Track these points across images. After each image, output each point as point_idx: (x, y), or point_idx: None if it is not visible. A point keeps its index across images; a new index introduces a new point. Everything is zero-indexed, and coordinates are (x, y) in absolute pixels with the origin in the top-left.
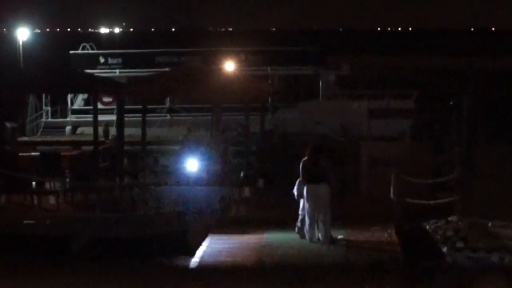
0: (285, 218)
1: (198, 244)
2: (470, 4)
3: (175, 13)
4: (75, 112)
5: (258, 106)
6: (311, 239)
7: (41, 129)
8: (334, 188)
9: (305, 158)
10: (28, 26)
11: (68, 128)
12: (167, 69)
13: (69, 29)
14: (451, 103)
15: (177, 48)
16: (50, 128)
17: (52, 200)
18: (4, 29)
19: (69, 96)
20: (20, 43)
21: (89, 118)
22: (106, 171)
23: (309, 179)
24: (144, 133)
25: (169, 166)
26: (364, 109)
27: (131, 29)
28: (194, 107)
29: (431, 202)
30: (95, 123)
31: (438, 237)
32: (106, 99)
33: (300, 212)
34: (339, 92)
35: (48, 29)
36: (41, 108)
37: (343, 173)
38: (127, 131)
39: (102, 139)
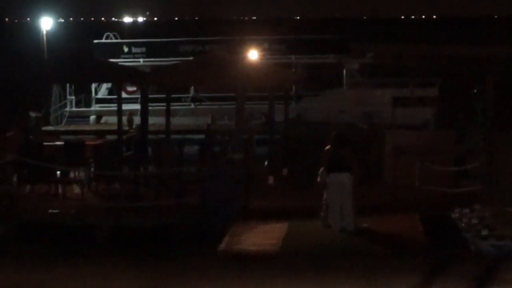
0: (309, 207)
1: (222, 233)
2: None
3: (198, 1)
4: (99, 101)
5: (282, 95)
6: (335, 228)
7: (65, 118)
8: (357, 177)
9: (328, 147)
10: (52, 15)
11: (92, 117)
12: (191, 58)
13: (92, 19)
14: (475, 91)
15: (201, 37)
16: (74, 117)
17: (76, 189)
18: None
19: (93, 86)
20: (44, 32)
21: (113, 107)
22: (130, 160)
23: (331, 168)
24: (168, 122)
25: (193, 155)
26: (387, 97)
27: (155, 18)
28: (218, 96)
29: (455, 190)
30: (119, 113)
31: (463, 225)
32: (130, 88)
33: (324, 201)
34: (363, 81)
35: (71, 19)
36: (65, 98)
37: (367, 162)
38: (151, 120)
39: (126, 128)
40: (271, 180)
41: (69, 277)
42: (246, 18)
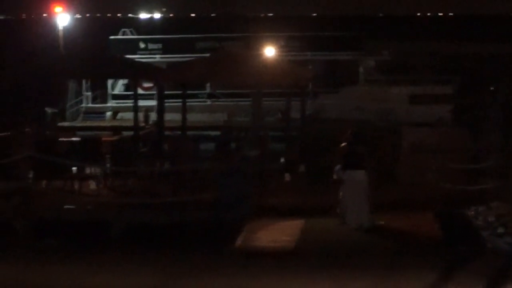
0: (325, 204)
1: (238, 230)
2: None
3: None
4: (115, 97)
5: (298, 92)
6: (351, 225)
7: (81, 114)
8: (372, 174)
9: (344, 144)
10: (68, 11)
11: (108, 113)
12: (207, 54)
13: (109, 15)
14: (491, 88)
15: (217, 34)
16: (90, 113)
17: (92, 185)
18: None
19: (109, 82)
20: (61, 28)
21: (129, 103)
22: (146, 157)
23: (347, 165)
24: (184, 119)
25: (209, 152)
26: (403, 94)
27: (171, 15)
28: (234, 93)
29: (471, 187)
30: (135, 109)
31: (479, 223)
32: (146, 85)
33: (340, 198)
34: (379, 78)
35: (88, 15)
36: (81, 94)
37: (383, 159)
38: (167, 116)
39: (142, 124)
40: (287, 177)
41: (84, 273)
42: (262, 15)
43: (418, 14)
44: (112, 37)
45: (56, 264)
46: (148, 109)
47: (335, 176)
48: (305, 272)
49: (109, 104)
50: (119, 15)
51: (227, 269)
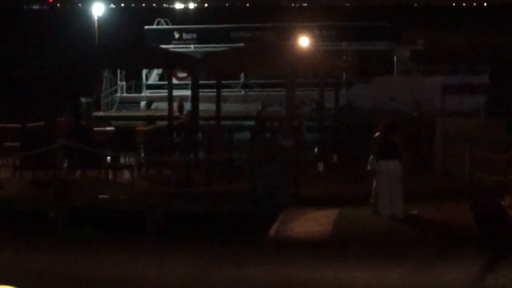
0: (359, 194)
1: (273, 220)
2: None
3: None
4: (149, 87)
5: (332, 82)
6: (385, 215)
7: (116, 104)
8: (406, 164)
9: (377, 134)
10: (103, 1)
11: (142, 103)
12: (241, 44)
13: (144, 5)
14: None
15: (252, 24)
16: (125, 103)
17: (126, 175)
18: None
19: (144, 72)
20: (96, 18)
21: (163, 93)
22: (180, 146)
23: (380, 155)
24: (218, 108)
25: (243, 141)
26: (438, 84)
27: (206, 5)
28: (268, 83)
29: (506, 178)
30: (170, 98)
31: None
32: (181, 74)
33: (373, 188)
34: (414, 68)
35: (123, 5)
36: (116, 83)
37: (417, 149)
38: (202, 106)
39: (176, 114)
40: (321, 166)
41: (119, 263)
42: (297, 5)
43: (453, 4)
44: (147, 27)
45: (91, 253)
46: (182, 98)
47: (369, 167)
48: (340, 261)
49: (143, 94)
50: (154, 5)
51: (263, 258)
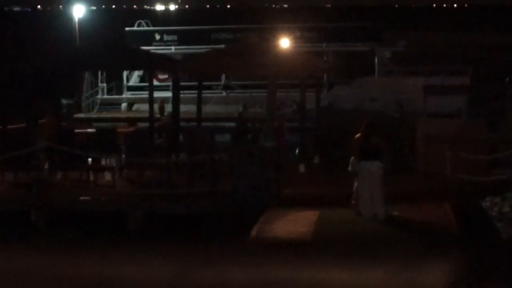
0: (340, 195)
1: (254, 221)
2: None
3: None
4: (130, 89)
5: (314, 83)
6: (366, 216)
7: (97, 106)
8: (387, 165)
9: (358, 135)
10: (84, 3)
11: (123, 104)
12: (222, 46)
13: (124, 6)
14: (507, 79)
15: (233, 25)
16: (106, 104)
17: (108, 176)
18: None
19: (125, 73)
20: (76, 20)
21: (144, 94)
22: (161, 148)
23: (362, 156)
24: (199, 110)
25: (225, 143)
26: (419, 85)
27: (187, 6)
28: (249, 84)
29: (487, 178)
30: (151, 100)
31: (494, 213)
32: (162, 76)
33: (355, 189)
34: (395, 69)
35: (104, 6)
36: (97, 85)
37: (398, 150)
38: (183, 107)
39: (157, 115)
40: (302, 168)
41: (100, 263)
42: (277, 6)
43: (434, 5)
44: (127, 28)
45: (72, 254)
46: (163, 100)
47: (350, 168)
48: (320, 262)
49: (124, 96)
50: (134, 6)
51: (244, 259)
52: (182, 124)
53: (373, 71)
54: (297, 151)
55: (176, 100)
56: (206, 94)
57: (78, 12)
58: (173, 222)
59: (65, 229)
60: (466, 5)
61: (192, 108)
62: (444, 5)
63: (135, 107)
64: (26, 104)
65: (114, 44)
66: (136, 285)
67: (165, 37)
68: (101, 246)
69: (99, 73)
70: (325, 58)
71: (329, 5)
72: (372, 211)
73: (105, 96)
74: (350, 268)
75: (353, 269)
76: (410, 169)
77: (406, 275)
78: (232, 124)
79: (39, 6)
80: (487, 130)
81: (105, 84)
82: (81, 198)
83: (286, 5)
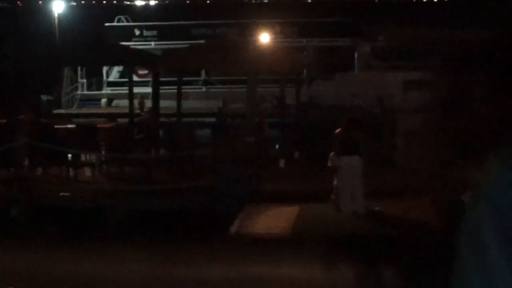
0: (321, 190)
1: (234, 216)
2: None
3: None
4: (110, 84)
5: (294, 78)
6: (346, 211)
7: (76, 101)
8: (368, 160)
9: (338, 130)
10: None
11: (103, 100)
12: (202, 41)
13: (104, 1)
14: (484, 74)
15: (213, 20)
16: (85, 100)
17: (87, 172)
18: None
19: (105, 69)
20: (56, 15)
21: (124, 90)
22: (141, 144)
23: (342, 152)
24: (179, 105)
25: (205, 138)
26: (399, 80)
27: (166, 1)
28: (229, 79)
29: (468, 173)
30: (131, 96)
31: None
32: (142, 72)
33: (334, 185)
34: (375, 64)
35: (83, 2)
36: (76, 81)
37: (379, 145)
38: (163, 103)
39: (137, 111)
40: (282, 163)
41: (79, 260)
42: (257, 1)
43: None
44: (107, 24)
45: (51, 250)
46: (143, 96)
47: (330, 163)
48: (300, 258)
49: (104, 91)
50: (114, 1)
51: (223, 256)
52: (162, 119)
53: (354, 66)
54: (277, 146)
55: (156, 96)
56: (186, 89)
57: (58, 7)
58: (153, 218)
59: (45, 225)
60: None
61: (172, 103)
62: (424, 0)
63: (115, 102)
64: (5, 100)
65: (93, 40)
66: (115, 281)
67: (145, 33)
68: (80, 242)
69: (79, 68)
70: (305, 53)
71: (309, 0)
72: (352, 206)
73: (85, 92)
74: (328, 264)
75: (331, 265)
76: (390, 164)
77: (383, 270)
78: (213, 120)
79: (18, 2)
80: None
81: (84, 80)
82: (61, 194)
83: (266, 0)
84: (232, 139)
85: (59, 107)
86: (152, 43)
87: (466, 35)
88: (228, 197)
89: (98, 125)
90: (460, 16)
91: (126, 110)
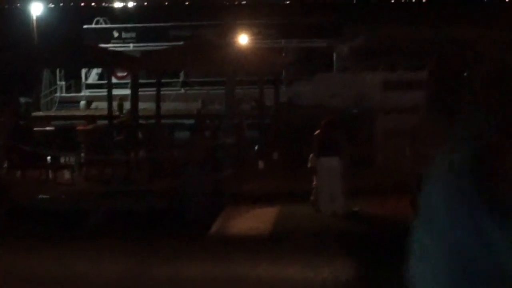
0: (300, 191)
1: (213, 217)
2: None
3: None
4: (89, 86)
5: (272, 79)
6: (326, 212)
7: (55, 104)
8: (347, 161)
9: (318, 131)
10: (42, 0)
11: (82, 102)
12: (181, 42)
13: (82, 4)
14: (465, 74)
15: (191, 22)
16: (64, 102)
17: (67, 174)
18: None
19: (83, 71)
20: (34, 18)
21: (103, 92)
22: (120, 145)
23: (321, 152)
24: (158, 107)
25: (184, 140)
26: (378, 81)
27: (145, 3)
28: (208, 81)
29: None
30: (110, 98)
31: None
32: (120, 74)
33: (314, 185)
34: (353, 64)
35: (62, 4)
36: (55, 83)
37: (358, 145)
38: (142, 105)
39: (116, 113)
40: (261, 164)
41: (59, 261)
42: (236, 3)
43: (393, 0)
44: (86, 26)
45: (30, 252)
46: (122, 98)
47: (309, 164)
48: (279, 259)
49: (83, 94)
50: (93, 4)
51: (202, 256)
52: (141, 121)
53: (332, 67)
54: (256, 147)
55: (135, 98)
56: (164, 91)
57: (36, 9)
58: (132, 219)
59: (23, 227)
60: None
61: (151, 105)
62: (402, 0)
63: (94, 105)
64: None
65: (72, 42)
66: (93, 282)
67: (124, 35)
68: (59, 244)
69: (58, 71)
70: (283, 54)
71: (288, 1)
72: (331, 207)
73: (64, 94)
74: (306, 265)
75: (309, 266)
76: (370, 164)
77: (362, 270)
78: (191, 121)
79: None
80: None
81: (63, 82)
82: (40, 196)
83: (244, 1)
84: (211, 140)
85: (38, 110)
86: (131, 45)
87: (445, 35)
88: (207, 198)
89: (77, 127)
90: (439, 16)
91: (105, 112)
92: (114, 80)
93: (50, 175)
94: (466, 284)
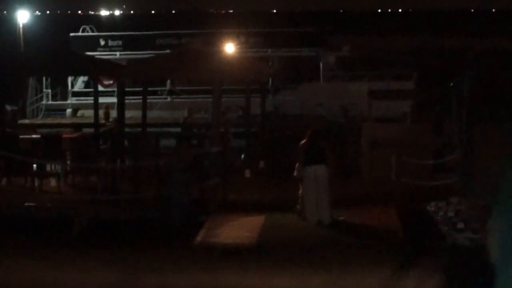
0: (286, 200)
1: (199, 226)
2: None
3: None
4: (75, 94)
5: (259, 88)
6: (311, 221)
7: (41, 111)
8: (333, 170)
9: (304, 140)
10: (29, 8)
11: (68, 110)
12: (167, 51)
13: (69, 12)
14: (452, 84)
15: (178, 30)
16: (50, 110)
17: (53, 182)
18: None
19: (70, 79)
20: (21, 25)
21: (89, 100)
22: (106, 154)
23: (307, 161)
24: (144, 115)
25: (170, 148)
26: (364, 90)
27: (132, 11)
28: (194, 89)
29: (432, 183)
30: (96, 106)
31: (439, 218)
32: (107, 82)
33: (300, 194)
34: (339, 74)
35: (48, 12)
36: (41, 91)
37: (343, 155)
38: (128, 113)
39: (102, 121)
40: (247, 173)
41: (45, 270)
42: (223, 11)
43: (379, 10)
44: (72, 34)
45: (16, 261)
46: (108, 106)
47: (295, 173)
48: (265, 268)
49: (69, 101)
50: (79, 12)
51: (188, 265)
52: (127, 129)
53: (318, 76)
54: (242, 156)
55: (121, 106)
56: (151, 99)
57: (22, 17)
58: (118, 228)
59: (9, 235)
60: (410, 10)
61: (137, 113)
62: (389, 10)
63: (80, 112)
64: None
65: (58, 50)
66: None
67: (110, 43)
68: (44, 252)
69: (44, 78)
70: (270, 63)
71: (274, 10)
72: (317, 216)
73: (50, 102)
74: (294, 274)
75: (297, 275)
76: (356, 173)
77: (347, 280)
78: (178, 130)
79: None
80: (431, 134)
81: (49, 90)
82: (26, 204)
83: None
84: (193, 148)
85: (24, 117)
86: (117, 53)
87: (430, 46)
88: (193, 207)
89: (63, 135)
90: (424, 26)
91: (91, 120)
92: (100, 88)
93: (36, 183)
94: None
